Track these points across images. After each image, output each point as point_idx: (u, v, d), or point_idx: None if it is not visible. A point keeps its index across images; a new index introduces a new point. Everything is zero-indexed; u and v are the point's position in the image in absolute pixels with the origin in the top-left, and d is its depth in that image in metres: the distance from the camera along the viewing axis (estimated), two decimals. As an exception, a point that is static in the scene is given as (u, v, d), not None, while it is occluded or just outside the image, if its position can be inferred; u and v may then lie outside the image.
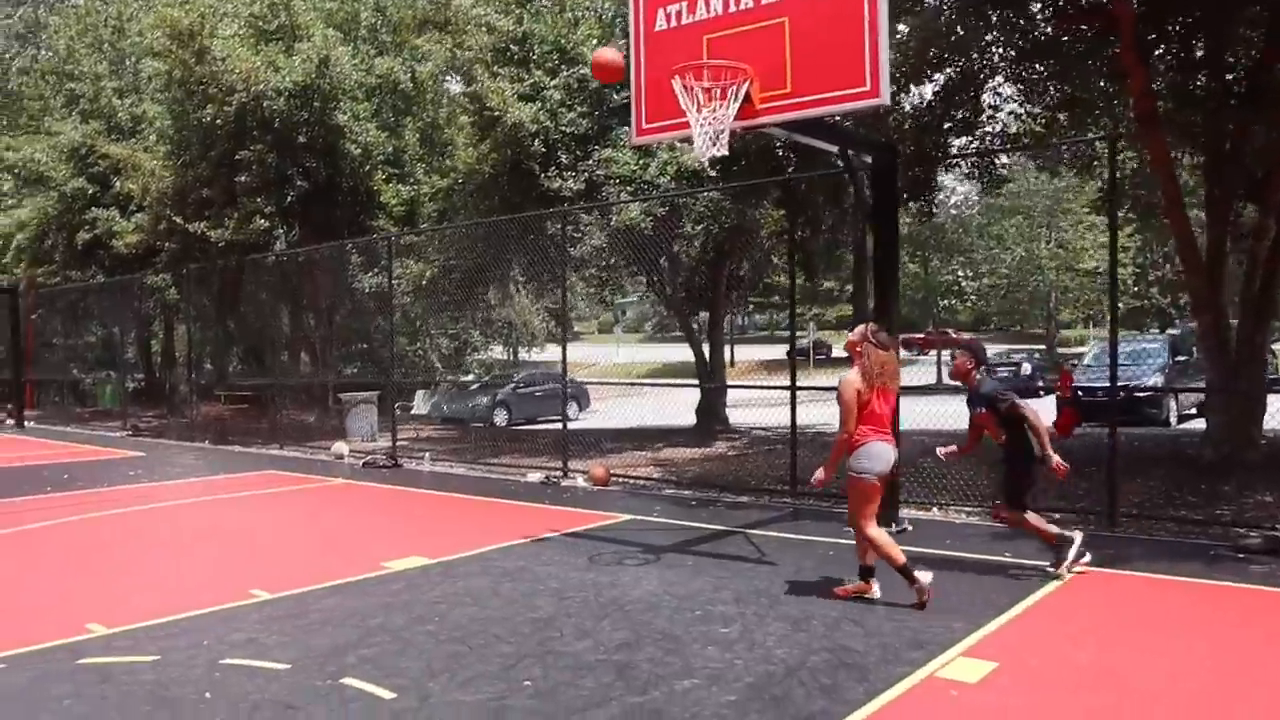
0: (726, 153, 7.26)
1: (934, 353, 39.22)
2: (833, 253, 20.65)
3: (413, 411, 25.37)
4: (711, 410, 18.47)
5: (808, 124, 7.62)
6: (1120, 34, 10.00)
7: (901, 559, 6.13)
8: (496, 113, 14.97)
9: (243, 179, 18.39)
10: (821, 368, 40.81)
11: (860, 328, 6.48)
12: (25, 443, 19.90)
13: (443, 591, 6.73)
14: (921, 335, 48.97)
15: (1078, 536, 6.87)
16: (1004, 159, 15.44)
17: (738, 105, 7.11)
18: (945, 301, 51.63)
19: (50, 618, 6.21)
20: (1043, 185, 43.49)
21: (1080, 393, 15.80)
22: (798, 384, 10.86)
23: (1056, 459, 6.60)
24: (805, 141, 8.43)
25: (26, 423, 24.45)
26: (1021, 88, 13.06)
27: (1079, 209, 43.27)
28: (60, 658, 5.36)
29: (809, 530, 8.74)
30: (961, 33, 11.84)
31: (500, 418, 24.31)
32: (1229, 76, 11.22)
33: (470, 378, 27.04)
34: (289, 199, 18.50)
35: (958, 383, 7.19)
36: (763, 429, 17.17)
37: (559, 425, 13.97)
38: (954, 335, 49.95)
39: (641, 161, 14.97)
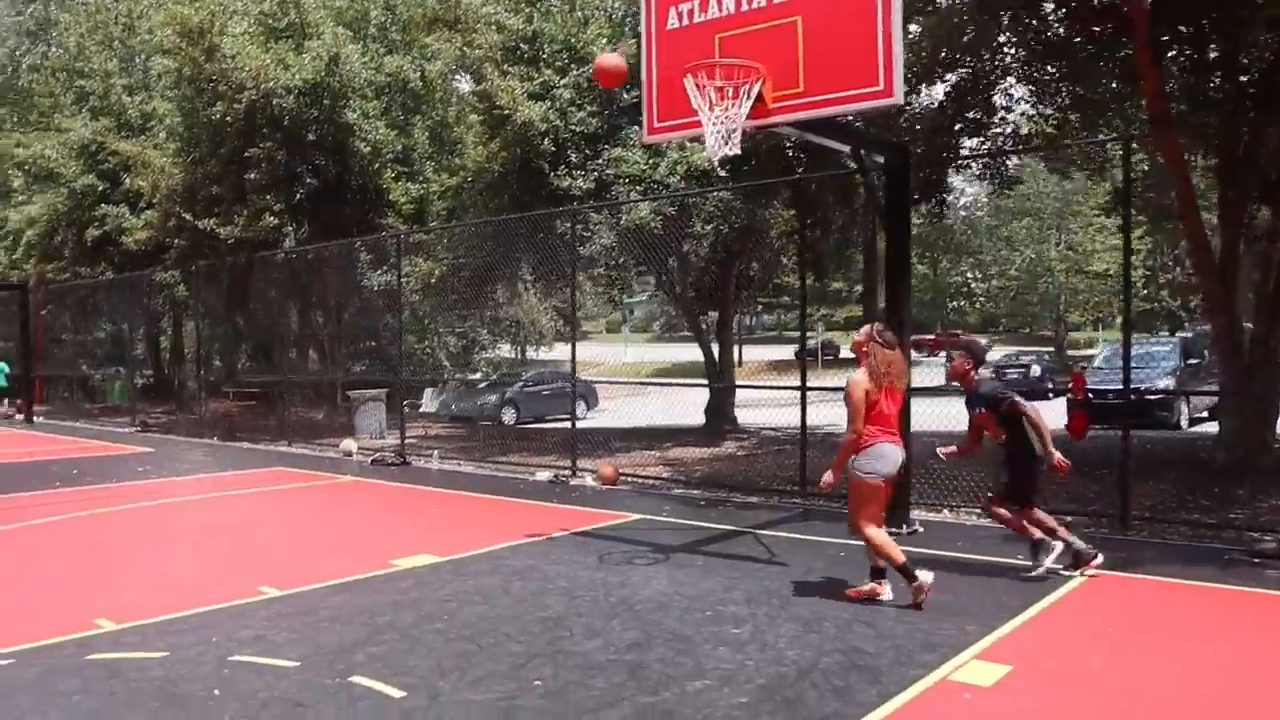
0: (738, 152, 7.23)
1: (943, 354, 39.12)
2: (842, 253, 20.59)
3: (421, 409, 25.37)
4: (720, 410, 18.44)
5: (820, 123, 7.58)
6: (1133, 35, 9.94)
7: (901, 558, 6.11)
8: (506, 111, 14.96)
9: (252, 176, 18.40)
10: (830, 368, 40.75)
11: (866, 328, 6.45)
12: (34, 438, 19.94)
13: (452, 590, 6.70)
14: (931, 336, 48.88)
15: (1058, 547, 6.86)
16: (1015, 160, 15.36)
17: (750, 104, 7.08)
18: (954, 303, 51.56)
19: (59, 613, 6.20)
20: (1052, 187, 43.42)
21: (1091, 395, 15.74)
22: (808, 384, 10.81)
23: (1058, 456, 6.62)
24: (817, 141, 8.38)
25: (36, 418, 24.52)
26: (1033, 89, 13.01)
27: (1089, 211, 43.16)
28: (69, 653, 5.35)
29: (819, 531, 8.70)
30: (974, 33, 11.79)
31: (508, 416, 24.30)
32: (1243, 78, 11.15)
33: (478, 376, 27.02)
34: (298, 196, 18.51)
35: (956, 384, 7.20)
36: (771, 429, 17.13)
37: (567, 424, 13.93)
38: (963, 337, 49.92)
39: (651, 161, 14.95)
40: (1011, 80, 12.99)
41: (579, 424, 14.33)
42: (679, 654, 5.23)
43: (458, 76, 20.73)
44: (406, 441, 15.50)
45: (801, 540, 8.32)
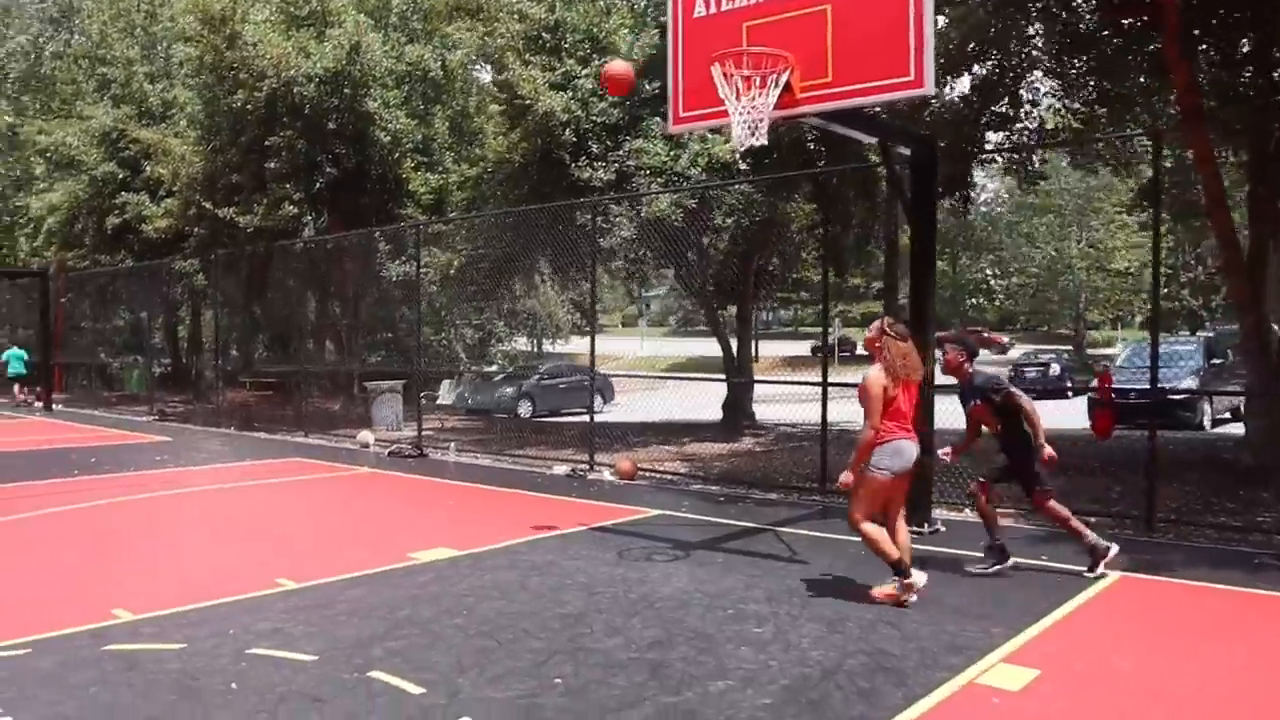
0: (765, 142, 7.12)
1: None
2: (862, 248, 20.45)
3: (438, 401, 25.36)
4: (738, 405, 18.35)
5: (848, 115, 7.46)
6: (1163, 28, 9.79)
7: (895, 554, 6.03)
8: (527, 101, 14.88)
9: (272, 165, 18.41)
10: (846, 364, 40.57)
11: (876, 323, 6.35)
12: (53, 425, 20.01)
13: (470, 584, 6.64)
14: (951, 333, 48.65)
15: (1010, 562, 6.91)
16: (1039, 155, 15.21)
17: (778, 94, 6.97)
18: (973, 300, 51.29)
19: (76, 602, 6.18)
20: (1073, 184, 43.09)
21: (1113, 394, 15.58)
22: (829, 380, 10.71)
23: (1048, 449, 6.61)
24: (843, 133, 8.28)
25: (55, 405, 24.61)
26: (1060, 82, 12.86)
27: (1110, 208, 42.84)
28: (86, 643, 5.30)
29: (840, 529, 8.55)
30: (1002, 25, 11.65)
31: (524, 409, 24.26)
32: (1275, 73, 10.98)
33: (494, 368, 26.99)
34: (318, 186, 18.50)
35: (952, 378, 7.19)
36: (789, 425, 17.03)
37: (583, 418, 13.86)
38: (985, 333, 49.67)
39: (673, 153, 14.86)
40: (1038, 74, 12.84)
41: (596, 418, 14.26)
42: (701, 653, 5.15)
43: (478, 66, 20.66)
44: (423, 433, 15.47)
45: (822, 539, 8.22)
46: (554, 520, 8.96)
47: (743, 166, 14.47)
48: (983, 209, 44.86)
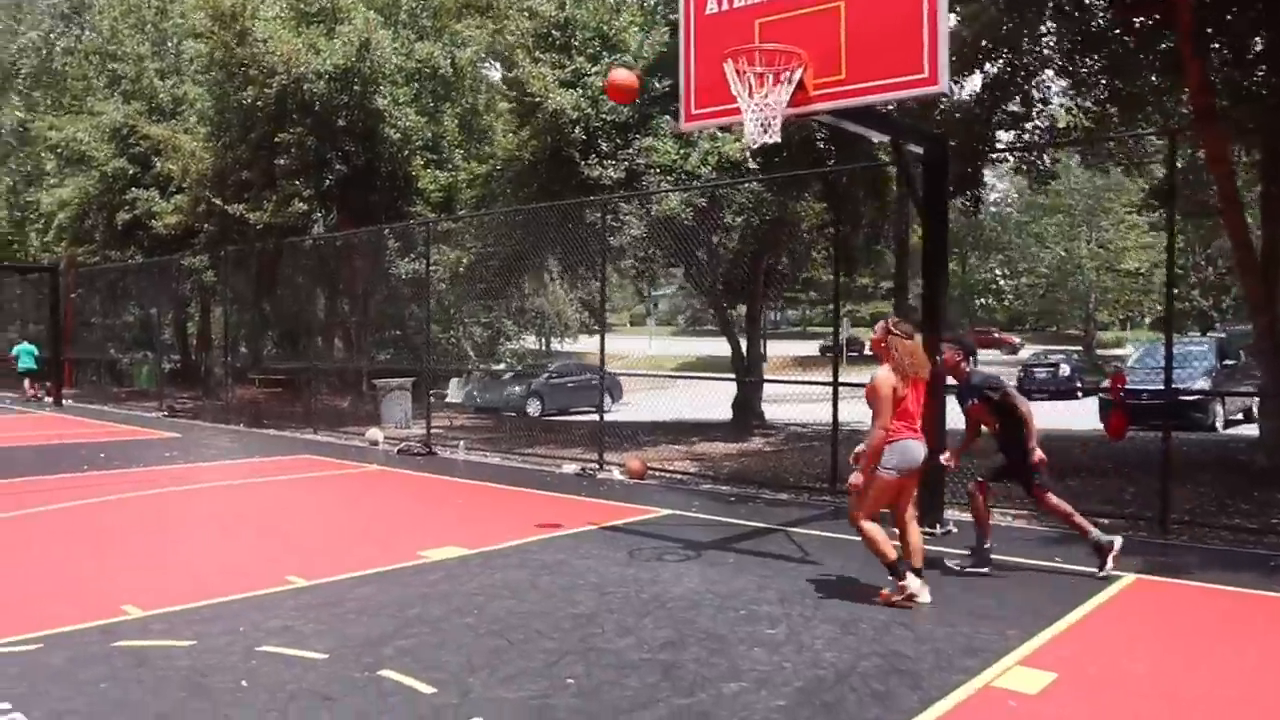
0: (778, 140, 7.07)
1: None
2: (872, 248, 20.38)
3: (447, 399, 25.35)
4: (748, 405, 18.30)
5: (861, 112, 7.43)
6: (1176, 26, 9.73)
7: (892, 555, 6.01)
8: (537, 99, 14.84)
9: (282, 162, 18.39)
10: (854, 364, 40.47)
11: (881, 323, 6.32)
12: (63, 421, 20.05)
13: (480, 583, 6.61)
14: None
15: (986, 570, 6.87)
16: (1050, 154, 15.14)
17: (791, 91, 6.93)
18: (982, 300, 51.14)
19: (86, 598, 6.16)
20: (1083, 184, 42.94)
21: (1123, 395, 15.51)
22: (840, 380, 10.66)
23: (1039, 453, 6.62)
24: (856, 131, 8.23)
25: (65, 401, 24.67)
26: (1072, 81, 12.79)
27: (1120, 208, 42.66)
28: (96, 639, 5.29)
29: (851, 530, 8.51)
30: (1014, 23, 11.59)
31: (533, 408, 24.23)
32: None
33: (503, 367, 27.00)
34: (327, 183, 18.49)
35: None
36: (798, 425, 16.98)
37: (592, 416, 13.82)
38: (996, 334, 49.52)
39: (683, 151, 14.82)
40: (1049, 73, 12.77)
41: (605, 417, 14.23)
42: (713, 654, 5.11)
43: (488, 63, 20.63)
44: (432, 431, 15.45)
45: (834, 539, 8.16)
46: (564, 519, 8.93)
47: (753, 165, 14.41)
48: (992, 209, 44.72)
